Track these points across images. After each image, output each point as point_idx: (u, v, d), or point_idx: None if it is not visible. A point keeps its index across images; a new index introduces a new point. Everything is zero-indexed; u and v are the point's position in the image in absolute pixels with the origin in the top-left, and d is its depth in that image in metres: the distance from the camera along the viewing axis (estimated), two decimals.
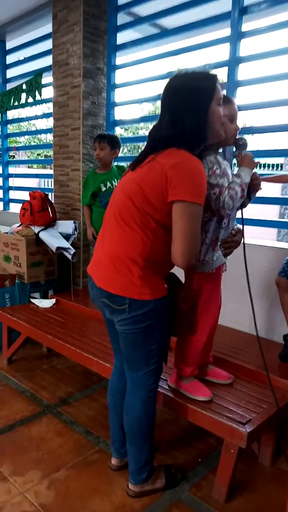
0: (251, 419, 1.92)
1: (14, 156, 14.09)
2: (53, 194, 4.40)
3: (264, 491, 2.04)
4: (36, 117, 5.87)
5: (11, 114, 5.89)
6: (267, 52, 3.01)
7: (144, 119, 5.69)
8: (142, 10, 3.94)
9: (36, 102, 4.77)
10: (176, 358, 2.11)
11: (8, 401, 2.80)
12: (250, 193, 1.97)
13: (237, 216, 2.05)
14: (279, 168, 13.50)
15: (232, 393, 2.16)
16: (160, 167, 1.58)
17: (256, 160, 1.93)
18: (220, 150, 2.04)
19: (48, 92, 4.56)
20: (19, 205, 4.08)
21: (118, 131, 3.97)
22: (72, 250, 3.64)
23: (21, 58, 5.32)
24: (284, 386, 2.23)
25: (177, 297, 1.85)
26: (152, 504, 1.92)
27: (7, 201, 5.87)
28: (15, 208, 5.54)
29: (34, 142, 18.33)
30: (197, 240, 1.63)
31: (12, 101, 5.00)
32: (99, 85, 3.99)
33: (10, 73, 5.54)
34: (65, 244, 3.66)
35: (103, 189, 3.44)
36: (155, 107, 17.27)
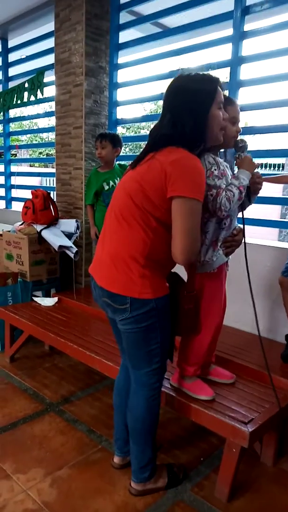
0: (253, 419, 1.92)
1: (16, 155, 14.09)
2: (55, 192, 4.40)
3: (266, 491, 2.04)
4: (38, 116, 5.88)
5: (13, 112, 5.88)
6: (270, 52, 3.01)
7: (146, 118, 5.68)
8: (144, 9, 3.95)
9: (38, 101, 4.77)
10: (179, 357, 2.12)
11: (10, 399, 2.81)
12: (250, 196, 1.98)
13: (238, 216, 2.06)
14: (281, 168, 13.48)
15: (235, 393, 2.16)
16: (159, 164, 1.60)
17: (256, 161, 1.94)
18: (222, 151, 2.05)
19: (50, 91, 4.57)
20: (22, 204, 4.09)
21: (120, 130, 3.97)
22: (74, 249, 3.65)
23: (23, 56, 5.32)
24: (286, 386, 2.23)
25: (179, 296, 1.85)
26: (154, 503, 1.93)
27: (9, 200, 5.87)
28: (18, 206, 5.55)
29: (36, 140, 18.34)
30: (197, 236, 1.64)
31: (15, 99, 5.00)
32: (101, 83, 3.99)
33: (12, 71, 5.54)
34: (67, 242, 3.66)
35: (106, 188, 3.44)
36: (157, 106, 17.27)
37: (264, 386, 2.24)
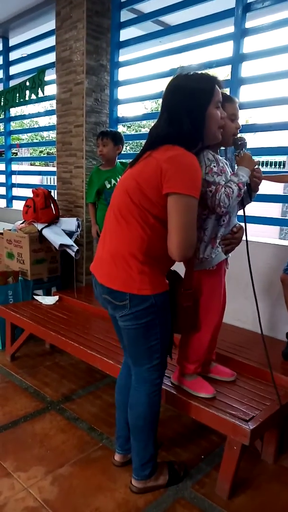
0: (254, 416, 1.92)
1: (16, 153, 14.09)
2: (56, 191, 4.40)
3: (267, 488, 2.05)
4: (39, 114, 5.87)
5: (13, 111, 5.88)
6: (271, 50, 3.00)
7: (147, 116, 5.67)
8: (145, 7, 3.95)
9: (39, 99, 4.77)
10: (180, 355, 2.12)
11: (11, 398, 2.81)
12: (250, 193, 1.98)
13: (239, 214, 2.06)
14: (282, 166, 13.45)
15: (235, 390, 2.17)
16: (155, 161, 1.62)
17: (256, 159, 1.94)
18: (223, 148, 2.05)
19: (51, 89, 4.57)
20: (22, 202, 4.09)
21: (121, 129, 3.98)
22: (75, 247, 3.65)
23: (24, 55, 5.32)
24: (287, 384, 2.23)
25: (177, 294, 1.87)
26: (155, 501, 1.93)
27: (10, 198, 5.87)
28: (18, 205, 5.55)
29: (37, 139, 18.32)
30: (193, 232, 1.65)
31: (17, 98, 5.00)
32: (102, 82, 3.99)
33: (13, 70, 5.54)
34: (68, 241, 3.66)
35: (108, 186, 3.43)
36: (158, 105, 17.22)
37: (265, 384, 2.25)
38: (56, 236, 3.67)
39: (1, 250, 4.05)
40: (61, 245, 3.59)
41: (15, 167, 5.94)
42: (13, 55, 5.50)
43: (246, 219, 1.98)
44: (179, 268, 1.91)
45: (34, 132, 17.54)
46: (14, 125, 7.21)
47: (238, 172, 1.88)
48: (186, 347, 2.08)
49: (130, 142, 16.20)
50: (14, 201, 5.89)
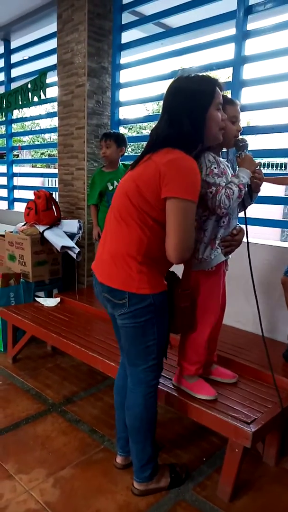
0: (256, 419, 1.92)
1: (18, 155, 14.12)
2: (57, 193, 4.41)
3: (269, 491, 2.04)
4: (41, 117, 5.88)
5: (15, 113, 5.90)
6: (272, 52, 3.00)
7: (148, 118, 5.68)
8: (147, 9, 3.96)
9: (40, 102, 4.78)
10: (179, 356, 2.12)
11: (13, 400, 2.81)
12: (251, 194, 1.98)
13: (240, 215, 2.06)
14: (284, 168, 13.44)
15: (237, 392, 2.16)
16: (154, 165, 1.62)
17: (257, 160, 1.95)
18: (224, 150, 2.05)
19: (52, 91, 4.58)
20: (24, 204, 4.09)
21: (122, 131, 3.97)
22: (77, 249, 3.65)
23: (26, 57, 5.33)
24: None
25: (175, 294, 1.87)
26: (156, 503, 1.92)
27: (11, 200, 5.88)
28: (20, 207, 5.55)
29: (38, 141, 18.35)
30: (190, 235, 1.66)
31: (20, 100, 5.01)
32: (103, 84, 3.99)
33: (14, 72, 5.56)
34: (70, 243, 3.66)
35: (110, 188, 3.43)
36: (159, 107, 17.21)
37: (266, 386, 2.24)
38: (57, 238, 3.67)
39: (2, 252, 4.06)
40: (62, 247, 3.60)
41: (16, 169, 5.95)
42: (14, 58, 5.51)
43: (247, 220, 1.98)
44: (178, 269, 1.91)
45: (36, 134, 17.57)
46: (15, 127, 7.24)
47: (239, 173, 1.89)
48: (184, 347, 2.08)
49: (132, 144, 16.25)
50: (15, 203, 5.89)
